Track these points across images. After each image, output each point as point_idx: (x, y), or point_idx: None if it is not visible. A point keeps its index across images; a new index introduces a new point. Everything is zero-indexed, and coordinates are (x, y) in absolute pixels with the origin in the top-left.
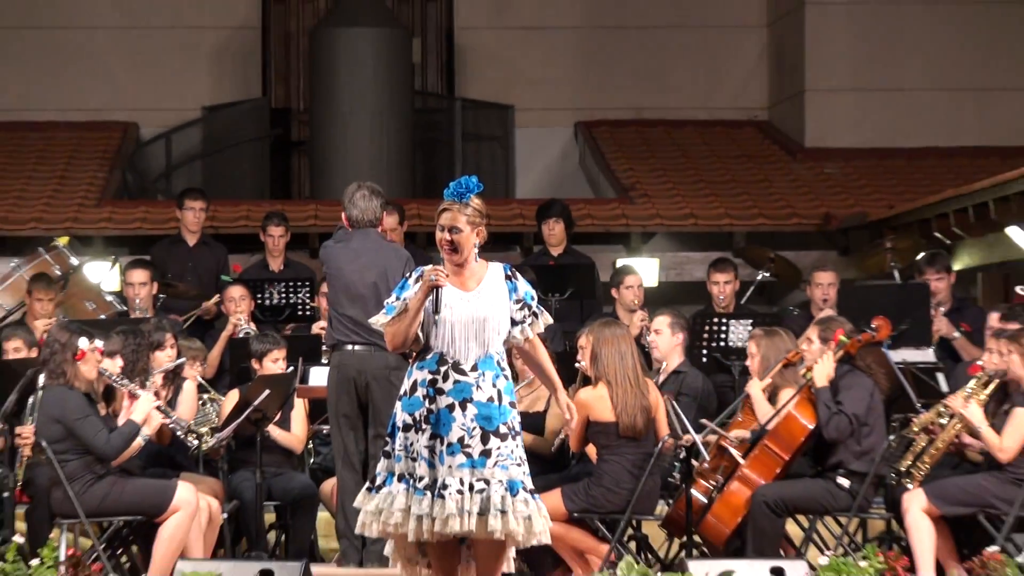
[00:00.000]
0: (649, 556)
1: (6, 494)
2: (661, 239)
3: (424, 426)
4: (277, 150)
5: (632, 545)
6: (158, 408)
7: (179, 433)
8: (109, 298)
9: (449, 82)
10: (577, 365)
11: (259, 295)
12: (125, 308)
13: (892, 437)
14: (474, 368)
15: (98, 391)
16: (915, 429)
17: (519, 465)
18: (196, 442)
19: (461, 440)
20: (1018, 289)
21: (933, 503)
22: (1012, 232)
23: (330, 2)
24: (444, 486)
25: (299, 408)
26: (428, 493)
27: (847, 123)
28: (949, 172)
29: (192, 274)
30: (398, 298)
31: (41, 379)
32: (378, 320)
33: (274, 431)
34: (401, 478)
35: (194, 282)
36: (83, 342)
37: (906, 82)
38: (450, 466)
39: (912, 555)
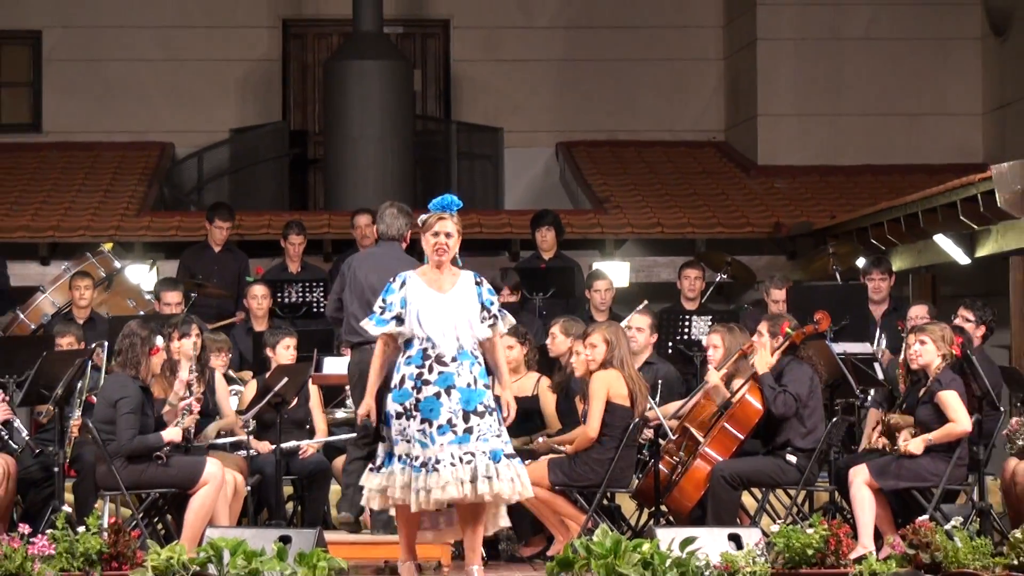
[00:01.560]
0: (621, 524)
1: (56, 469)
2: (632, 245)
3: (414, 413)
4: (295, 167)
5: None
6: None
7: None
8: (147, 296)
9: (446, 108)
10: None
11: (279, 294)
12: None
13: (835, 420)
14: (453, 359)
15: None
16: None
17: (498, 436)
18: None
19: (449, 421)
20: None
21: (874, 477)
22: (939, 239)
23: (342, 38)
24: (437, 461)
25: (314, 394)
26: (423, 469)
27: (794, 144)
28: (883, 187)
29: (217, 276)
30: (384, 301)
31: (88, 367)
32: (367, 328)
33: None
34: (400, 459)
35: (219, 283)
36: (160, 340)
37: (845, 108)
38: (441, 444)
39: (854, 523)
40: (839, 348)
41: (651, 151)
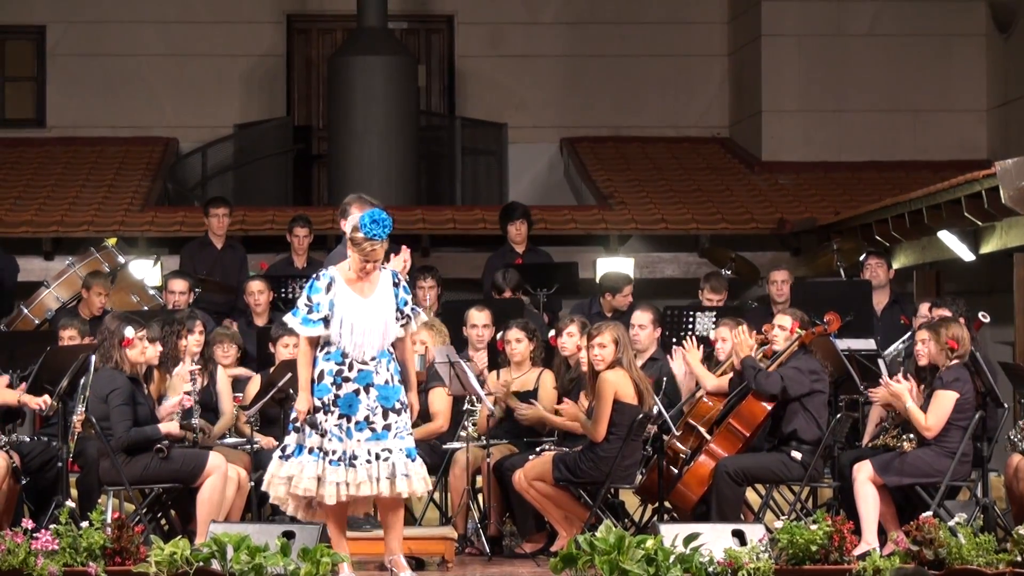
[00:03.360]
0: (625, 520)
1: (60, 464)
2: (636, 241)
3: (332, 408)
4: (299, 163)
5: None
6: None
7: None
8: (151, 292)
9: (450, 103)
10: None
11: (282, 289)
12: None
13: (838, 416)
14: (373, 359)
15: (140, 373)
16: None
17: (410, 434)
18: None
19: (367, 418)
20: (980, 315)
21: (878, 474)
22: (943, 236)
23: (346, 33)
24: (354, 457)
25: None
26: (341, 464)
27: (798, 140)
28: (887, 183)
29: (219, 272)
30: (310, 300)
31: (92, 362)
32: (292, 325)
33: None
34: (311, 451)
35: (222, 279)
36: (129, 331)
37: (849, 104)
38: (359, 440)
39: (857, 519)
40: (843, 344)
41: (655, 147)
